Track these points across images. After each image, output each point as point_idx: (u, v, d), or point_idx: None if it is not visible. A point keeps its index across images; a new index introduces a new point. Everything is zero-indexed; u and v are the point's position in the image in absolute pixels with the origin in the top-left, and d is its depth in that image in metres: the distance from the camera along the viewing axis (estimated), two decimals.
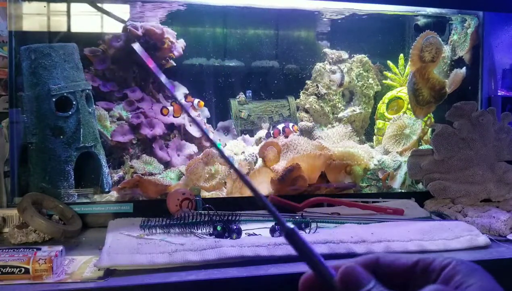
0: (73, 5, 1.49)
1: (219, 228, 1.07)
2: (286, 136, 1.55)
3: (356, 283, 0.36)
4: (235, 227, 1.08)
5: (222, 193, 1.39)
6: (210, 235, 1.08)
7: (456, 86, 1.59)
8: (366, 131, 1.79)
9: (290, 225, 0.38)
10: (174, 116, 1.53)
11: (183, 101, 1.51)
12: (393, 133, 1.64)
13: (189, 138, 1.57)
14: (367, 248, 1.00)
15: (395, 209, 1.27)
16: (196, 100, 1.55)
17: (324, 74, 1.73)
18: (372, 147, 1.69)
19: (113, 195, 1.33)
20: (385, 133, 1.66)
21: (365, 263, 0.38)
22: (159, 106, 1.56)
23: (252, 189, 0.40)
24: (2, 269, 0.85)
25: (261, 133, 1.61)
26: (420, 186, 1.47)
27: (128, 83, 1.55)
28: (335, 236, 1.02)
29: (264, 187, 1.38)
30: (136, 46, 0.42)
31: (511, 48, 1.62)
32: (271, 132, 1.57)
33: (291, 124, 1.58)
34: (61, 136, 1.26)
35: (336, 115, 1.73)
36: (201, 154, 1.43)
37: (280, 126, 1.57)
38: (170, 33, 1.55)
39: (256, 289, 0.90)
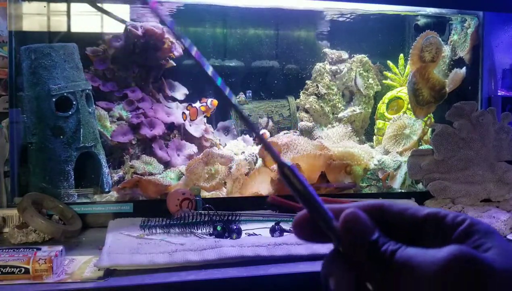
0: (73, 5, 1.49)
1: (219, 228, 1.07)
2: (258, 144, 1.56)
3: (360, 232, 0.33)
4: (235, 227, 1.08)
5: (222, 193, 1.39)
6: (210, 235, 1.08)
7: (455, 86, 1.59)
8: (366, 131, 1.79)
9: (287, 162, 0.35)
10: (191, 120, 1.54)
11: (197, 104, 1.53)
12: (393, 133, 1.64)
13: (189, 138, 1.57)
14: None
15: None
16: (209, 100, 1.54)
17: (324, 74, 1.73)
18: (372, 146, 1.69)
19: (113, 195, 1.33)
20: (385, 133, 1.66)
21: (368, 209, 0.35)
22: (159, 106, 1.56)
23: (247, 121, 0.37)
24: (2, 269, 0.85)
25: (261, 132, 1.62)
26: (420, 186, 1.47)
27: (128, 83, 1.55)
28: None
29: (264, 187, 1.38)
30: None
31: (511, 48, 1.61)
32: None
33: (261, 132, 1.60)
34: (61, 136, 1.26)
35: (336, 115, 1.73)
36: (201, 154, 1.43)
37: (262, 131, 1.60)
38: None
39: (256, 289, 0.90)
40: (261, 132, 1.60)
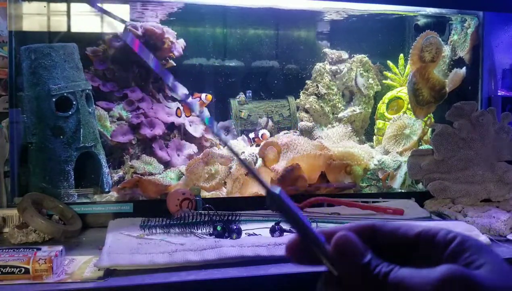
0: (73, 5, 1.49)
1: (219, 228, 1.07)
2: (258, 145, 1.56)
3: (352, 254, 0.32)
4: (235, 227, 1.08)
5: (222, 193, 1.39)
6: (210, 235, 1.08)
7: (455, 85, 1.59)
8: (366, 131, 1.79)
9: (276, 190, 0.34)
10: (186, 116, 1.56)
11: (190, 99, 1.54)
12: (393, 133, 1.64)
13: (189, 138, 1.57)
14: None
15: (395, 209, 1.27)
16: (203, 95, 1.56)
17: (324, 74, 1.73)
18: (372, 146, 1.69)
19: (113, 195, 1.33)
20: (385, 133, 1.66)
21: (359, 231, 0.35)
22: (159, 106, 1.56)
23: (233, 153, 0.37)
24: (2, 269, 0.85)
25: (262, 133, 1.62)
26: (420, 186, 1.47)
27: (128, 83, 1.55)
28: None
29: None
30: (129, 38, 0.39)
31: (511, 48, 1.61)
32: (252, 141, 1.61)
33: (260, 132, 1.60)
34: (61, 136, 1.26)
35: (336, 115, 1.73)
36: (201, 154, 1.43)
37: (251, 135, 1.61)
38: (170, 33, 1.55)
39: (256, 289, 0.90)
40: (261, 132, 1.61)
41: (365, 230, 0.35)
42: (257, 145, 1.58)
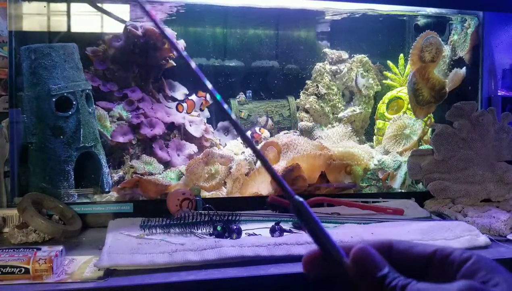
0: (73, 5, 1.49)
1: (219, 228, 1.07)
2: (256, 141, 1.57)
3: (371, 266, 0.33)
4: (235, 227, 1.08)
5: (222, 193, 1.39)
6: (210, 235, 1.08)
7: (455, 85, 1.59)
8: (366, 131, 1.79)
9: (299, 198, 0.35)
10: (187, 112, 1.56)
11: (194, 97, 1.54)
12: (393, 133, 1.64)
13: (189, 138, 1.57)
14: None
15: (395, 209, 1.27)
16: (208, 94, 1.56)
17: (324, 74, 1.73)
18: (372, 146, 1.69)
19: (113, 195, 1.33)
20: (385, 133, 1.66)
21: (377, 246, 0.36)
22: (159, 106, 1.56)
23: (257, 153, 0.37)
24: (2, 269, 0.85)
25: (258, 128, 1.63)
26: (420, 186, 1.47)
27: (128, 83, 1.55)
28: (335, 236, 1.02)
29: (264, 187, 1.38)
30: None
31: (511, 48, 1.61)
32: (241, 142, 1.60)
33: (257, 128, 1.60)
34: (61, 136, 1.26)
35: (336, 115, 1.73)
36: (201, 154, 1.43)
37: (248, 134, 1.60)
38: (170, 33, 1.55)
39: (256, 289, 0.90)
40: (257, 128, 1.60)
41: (382, 246, 0.36)
42: (256, 141, 1.59)
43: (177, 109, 1.56)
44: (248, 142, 0.39)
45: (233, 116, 0.38)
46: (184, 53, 0.38)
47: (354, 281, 0.33)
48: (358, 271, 0.33)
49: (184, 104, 1.55)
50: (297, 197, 0.35)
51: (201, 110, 1.60)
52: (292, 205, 0.35)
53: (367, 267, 0.33)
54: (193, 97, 1.56)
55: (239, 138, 1.63)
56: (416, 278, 0.33)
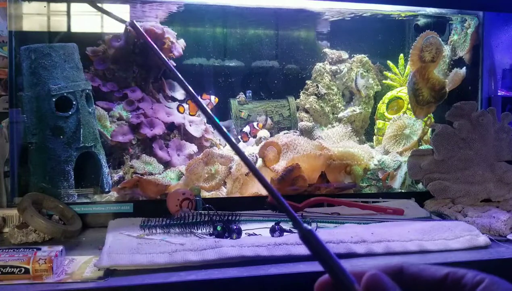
0: (73, 5, 1.49)
1: (219, 228, 1.07)
2: (254, 136, 1.58)
3: None
4: (235, 227, 1.08)
5: (222, 193, 1.39)
6: (210, 235, 1.08)
7: (455, 85, 1.59)
8: (366, 131, 1.79)
9: (308, 227, 0.36)
10: (189, 114, 1.57)
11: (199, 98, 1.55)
12: (393, 133, 1.64)
13: (189, 138, 1.57)
14: (367, 248, 1.00)
15: (395, 209, 1.27)
16: (212, 97, 1.57)
17: (324, 74, 1.73)
18: (372, 146, 1.69)
19: (113, 195, 1.33)
20: (385, 133, 1.66)
21: (388, 272, 0.36)
22: (159, 106, 1.56)
23: (265, 185, 0.37)
24: (2, 269, 0.85)
25: (262, 133, 1.62)
26: (420, 186, 1.47)
27: (128, 83, 1.55)
28: (335, 236, 1.02)
29: None
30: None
31: (511, 48, 1.61)
32: (239, 137, 1.60)
33: (255, 123, 1.60)
34: (61, 136, 1.26)
35: (336, 115, 1.73)
36: (201, 154, 1.43)
37: (246, 129, 1.61)
38: (170, 33, 1.55)
39: (256, 289, 0.90)
40: (255, 123, 1.61)
41: (393, 270, 0.36)
42: (254, 136, 1.59)
43: (177, 110, 1.56)
44: (245, 161, 0.39)
45: (225, 130, 0.39)
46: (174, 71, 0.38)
47: None
48: None
49: (185, 105, 1.55)
50: (305, 225, 0.35)
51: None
52: (301, 234, 0.35)
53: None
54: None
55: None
56: None
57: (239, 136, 1.61)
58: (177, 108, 1.56)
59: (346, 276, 0.34)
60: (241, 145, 1.58)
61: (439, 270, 0.36)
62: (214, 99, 1.58)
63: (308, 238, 0.35)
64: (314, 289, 0.36)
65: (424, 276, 0.36)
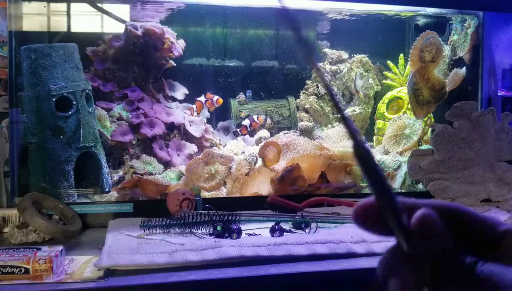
0: (73, 5, 1.49)
1: (219, 228, 1.07)
2: (254, 129, 1.58)
3: (435, 239, 0.30)
4: (235, 227, 1.08)
5: (222, 193, 1.39)
6: (210, 235, 1.08)
7: (455, 85, 1.59)
8: (366, 131, 1.79)
9: (365, 142, 0.32)
10: (197, 114, 1.59)
11: (202, 98, 1.56)
12: (393, 133, 1.64)
13: (189, 138, 1.57)
14: (367, 248, 1.00)
15: None
16: (215, 97, 1.58)
17: (324, 74, 1.73)
18: (372, 146, 1.69)
19: (113, 195, 1.33)
20: (385, 133, 1.66)
21: (441, 211, 0.32)
22: (160, 106, 1.56)
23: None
24: (2, 269, 0.85)
25: (262, 133, 1.62)
26: (420, 186, 1.47)
27: (128, 83, 1.55)
28: (335, 236, 1.02)
29: (264, 187, 1.38)
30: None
31: (511, 48, 1.61)
32: (238, 130, 1.59)
33: (255, 117, 1.61)
34: (61, 136, 1.26)
35: (336, 115, 1.73)
36: (201, 154, 1.43)
37: (246, 122, 1.60)
38: (170, 33, 1.55)
39: (256, 289, 0.90)
40: (255, 116, 1.61)
41: (447, 211, 0.33)
42: (253, 129, 1.59)
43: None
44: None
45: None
46: None
47: (414, 249, 0.30)
48: (421, 240, 0.30)
49: (194, 106, 1.57)
50: (361, 138, 0.32)
51: (209, 111, 1.62)
52: (355, 149, 0.32)
53: (431, 238, 0.30)
54: (201, 98, 1.58)
55: (239, 138, 1.63)
56: (482, 257, 0.30)
57: (238, 130, 1.60)
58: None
59: (396, 205, 0.31)
60: (241, 145, 1.58)
61: (497, 226, 0.33)
62: (216, 100, 1.58)
63: (364, 156, 0.32)
64: (355, 208, 0.34)
65: (480, 229, 0.33)
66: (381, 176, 0.31)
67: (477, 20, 1.58)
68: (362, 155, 0.32)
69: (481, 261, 0.30)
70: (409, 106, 1.61)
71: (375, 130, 1.75)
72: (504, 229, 0.33)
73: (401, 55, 1.74)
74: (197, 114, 1.59)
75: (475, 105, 1.37)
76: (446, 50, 1.63)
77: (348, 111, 1.73)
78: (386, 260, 0.32)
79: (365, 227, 0.34)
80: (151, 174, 1.41)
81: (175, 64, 1.60)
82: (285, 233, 1.08)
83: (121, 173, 1.42)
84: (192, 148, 1.54)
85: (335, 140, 1.61)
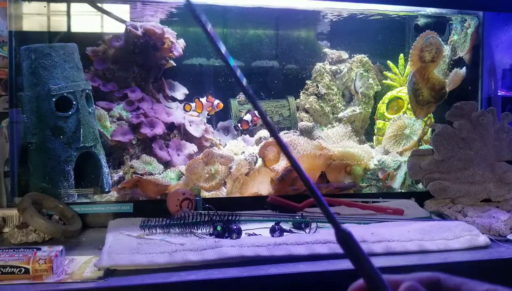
0: (73, 5, 1.49)
1: (219, 228, 1.07)
2: (255, 124, 1.58)
3: None
4: (235, 227, 1.08)
5: (222, 193, 1.39)
6: (210, 235, 1.08)
7: (455, 85, 1.59)
8: (366, 131, 1.79)
9: (346, 229, 0.34)
10: (196, 111, 1.57)
11: (204, 100, 1.55)
12: (393, 133, 1.64)
13: (189, 138, 1.57)
14: (367, 248, 1.00)
15: (395, 209, 1.27)
16: (216, 101, 1.57)
17: (324, 74, 1.73)
18: (372, 146, 1.69)
19: (113, 195, 1.33)
20: (385, 133, 1.66)
21: (424, 283, 0.35)
22: (160, 106, 1.56)
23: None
24: (2, 269, 0.85)
25: (262, 133, 1.62)
26: (420, 186, 1.47)
27: (128, 83, 1.55)
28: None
29: (264, 187, 1.38)
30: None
31: (511, 48, 1.61)
32: (239, 125, 1.59)
33: (257, 112, 1.59)
34: (61, 136, 1.26)
35: (336, 115, 1.73)
36: (201, 154, 1.43)
37: (247, 117, 1.60)
38: (170, 33, 1.55)
39: (256, 289, 0.90)
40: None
41: (430, 281, 0.35)
42: (255, 125, 1.59)
43: (184, 109, 1.56)
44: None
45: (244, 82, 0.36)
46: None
47: None
48: None
49: (192, 104, 1.56)
50: (344, 227, 0.34)
51: (209, 115, 1.61)
52: (338, 236, 0.34)
53: None
54: (203, 100, 1.56)
55: (239, 138, 1.63)
56: None
57: (239, 124, 1.60)
58: (184, 106, 1.56)
59: (382, 283, 0.33)
60: (241, 145, 1.57)
61: (477, 286, 0.35)
62: (217, 104, 1.57)
63: (346, 240, 0.34)
64: None
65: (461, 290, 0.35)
66: (366, 258, 0.33)
67: (477, 20, 1.58)
68: (345, 241, 0.33)
69: None
70: (409, 106, 1.61)
71: (375, 130, 1.75)
72: (484, 290, 0.34)
73: (401, 55, 1.74)
74: (198, 114, 1.58)
75: (475, 105, 1.37)
76: (446, 50, 1.63)
77: (348, 111, 1.73)
78: None
79: None
80: (151, 174, 1.41)
81: (175, 64, 1.60)
82: (285, 233, 1.08)
83: (121, 173, 1.42)
84: (192, 148, 1.54)
85: (335, 140, 1.61)
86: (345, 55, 1.76)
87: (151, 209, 1.22)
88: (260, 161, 1.44)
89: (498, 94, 1.59)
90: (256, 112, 1.59)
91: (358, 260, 0.33)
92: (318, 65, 1.74)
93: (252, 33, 1.75)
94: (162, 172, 1.44)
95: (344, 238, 0.34)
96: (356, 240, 0.33)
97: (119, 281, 0.86)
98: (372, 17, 1.67)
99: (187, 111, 1.56)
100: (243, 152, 1.51)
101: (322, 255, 0.97)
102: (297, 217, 1.18)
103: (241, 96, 1.69)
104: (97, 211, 1.25)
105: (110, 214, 1.24)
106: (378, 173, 1.49)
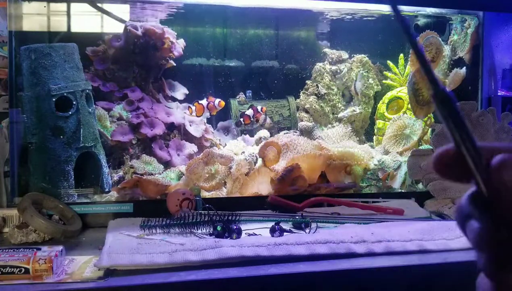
0: (73, 5, 1.49)
1: (219, 228, 1.07)
2: (257, 120, 1.57)
3: None
4: (235, 227, 1.08)
5: (222, 193, 1.39)
6: (210, 235, 1.08)
7: (455, 85, 1.59)
8: (366, 131, 1.79)
9: (448, 90, 0.31)
10: (196, 116, 1.57)
11: (204, 101, 1.54)
12: (393, 133, 1.64)
13: (189, 138, 1.57)
14: (367, 248, 1.00)
15: (395, 209, 1.27)
16: (217, 100, 1.56)
17: (324, 74, 1.73)
18: (372, 146, 1.69)
19: (113, 195, 1.33)
20: (385, 133, 1.66)
21: None
22: (160, 106, 1.56)
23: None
24: (2, 269, 0.85)
25: (262, 133, 1.62)
26: (420, 186, 1.47)
27: (128, 83, 1.55)
28: (335, 236, 1.02)
29: (264, 187, 1.38)
30: None
31: (511, 48, 1.61)
32: (241, 120, 1.59)
33: (259, 107, 1.60)
34: (61, 136, 1.26)
35: (336, 115, 1.73)
36: (201, 154, 1.43)
37: (249, 112, 1.59)
38: (170, 33, 1.55)
39: (256, 289, 0.90)
40: (259, 107, 1.60)
41: None
42: (257, 120, 1.59)
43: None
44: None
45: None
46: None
47: (493, 192, 0.29)
48: (503, 185, 0.29)
49: (193, 107, 1.55)
50: (443, 86, 0.31)
51: (211, 115, 1.61)
52: (439, 96, 0.31)
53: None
54: (203, 101, 1.56)
55: (239, 138, 1.63)
56: None
57: (241, 119, 1.59)
58: (188, 109, 1.56)
59: (477, 149, 0.30)
60: (241, 145, 1.57)
61: None
62: (218, 103, 1.57)
63: (446, 102, 0.31)
64: (434, 157, 0.33)
65: None
66: (463, 121, 0.31)
67: (477, 20, 1.58)
68: (446, 100, 0.31)
69: None
70: (409, 106, 1.61)
71: (375, 130, 1.75)
72: None
73: (401, 55, 1.74)
74: (197, 116, 1.57)
75: (475, 105, 1.37)
76: (446, 50, 1.63)
77: (348, 111, 1.73)
78: (465, 205, 0.31)
79: (444, 174, 0.33)
80: (151, 174, 1.41)
81: (175, 64, 1.60)
82: (285, 233, 1.08)
83: (121, 173, 1.42)
84: (192, 148, 1.54)
85: (335, 140, 1.61)
86: (345, 55, 1.76)
87: (151, 209, 1.22)
88: (260, 161, 1.44)
89: (498, 94, 1.59)
90: (258, 107, 1.59)
91: (455, 120, 0.31)
92: (318, 65, 1.74)
93: (252, 33, 1.75)
94: (162, 172, 1.44)
95: (445, 99, 0.31)
96: (455, 101, 0.31)
97: (119, 281, 0.86)
98: (372, 17, 1.67)
99: (191, 114, 1.56)
100: (243, 152, 1.51)
101: (322, 255, 0.97)
102: (297, 217, 1.18)
103: (241, 96, 1.69)
104: (97, 211, 1.24)
105: (110, 214, 1.24)
106: (378, 173, 1.49)
